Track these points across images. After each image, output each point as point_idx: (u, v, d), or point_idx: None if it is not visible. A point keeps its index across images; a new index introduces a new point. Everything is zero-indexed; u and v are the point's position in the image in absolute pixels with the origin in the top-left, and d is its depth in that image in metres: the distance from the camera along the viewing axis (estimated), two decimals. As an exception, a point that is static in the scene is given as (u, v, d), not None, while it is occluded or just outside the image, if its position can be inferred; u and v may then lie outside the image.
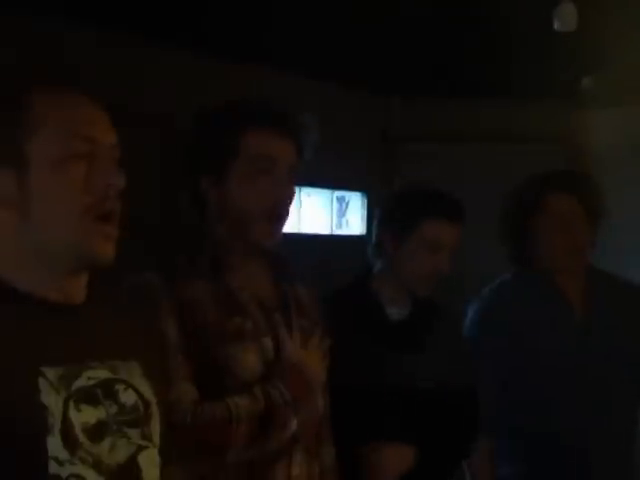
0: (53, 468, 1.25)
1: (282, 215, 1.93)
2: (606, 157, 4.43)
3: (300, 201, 4.38)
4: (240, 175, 1.90)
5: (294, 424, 1.81)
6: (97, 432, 1.30)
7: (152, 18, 3.31)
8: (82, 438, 1.28)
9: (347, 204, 4.63)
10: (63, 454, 1.25)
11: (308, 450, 1.90)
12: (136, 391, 1.39)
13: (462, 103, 4.37)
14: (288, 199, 1.94)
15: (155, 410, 1.41)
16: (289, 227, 4.22)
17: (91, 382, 1.32)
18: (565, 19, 2.67)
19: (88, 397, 1.31)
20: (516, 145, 4.48)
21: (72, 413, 1.28)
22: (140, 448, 1.36)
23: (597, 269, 2.76)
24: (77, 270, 1.40)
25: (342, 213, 4.62)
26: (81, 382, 1.31)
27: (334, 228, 4.60)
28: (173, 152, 2.05)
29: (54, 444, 1.25)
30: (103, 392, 1.33)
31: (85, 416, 1.29)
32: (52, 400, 1.27)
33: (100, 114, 1.43)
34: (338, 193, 4.59)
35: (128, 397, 1.37)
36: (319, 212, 4.57)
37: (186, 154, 1.99)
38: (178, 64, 3.71)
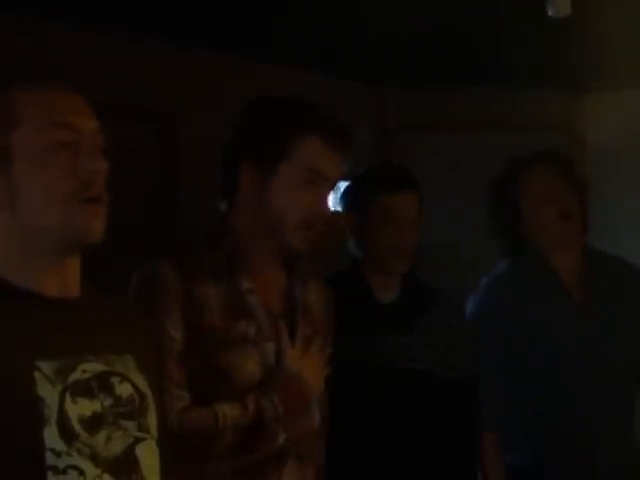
0: (50, 459, 1.26)
1: (318, 225, 1.90)
2: (605, 144, 4.43)
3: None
4: (286, 178, 1.85)
5: (282, 438, 1.79)
6: (93, 424, 1.31)
7: (153, 15, 3.31)
8: (79, 430, 1.29)
9: (345, 194, 4.63)
10: (60, 445, 1.27)
11: (301, 457, 1.87)
12: (132, 383, 1.40)
13: (459, 93, 4.37)
14: (325, 215, 1.91)
15: (151, 402, 1.42)
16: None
17: (86, 375, 1.33)
18: (559, 5, 2.66)
19: (83, 390, 1.32)
20: (515, 134, 4.47)
21: (68, 405, 1.29)
22: (137, 440, 1.37)
23: (595, 249, 2.75)
24: (69, 251, 1.41)
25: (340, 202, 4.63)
26: (76, 375, 1.32)
27: (333, 218, 4.60)
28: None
29: (51, 436, 1.26)
30: (98, 385, 1.34)
31: (81, 408, 1.30)
32: (48, 392, 1.28)
33: (80, 101, 1.43)
34: (336, 183, 4.59)
35: (124, 389, 1.38)
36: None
37: (236, 135, 1.93)
38: (176, 61, 3.70)
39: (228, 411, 1.74)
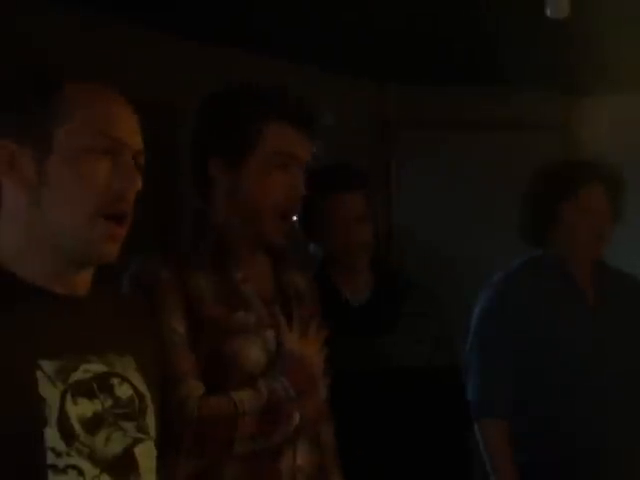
0: (50, 459, 1.27)
1: (293, 212, 1.93)
2: (602, 147, 4.42)
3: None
4: (256, 168, 1.86)
5: (297, 418, 1.83)
6: (93, 424, 1.32)
7: (153, 4, 3.31)
8: (79, 430, 1.30)
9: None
10: (60, 445, 1.28)
11: (311, 439, 1.91)
12: (131, 384, 1.40)
13: (459, 90, 4.36)
14: (300, 197, 1.92)
15: (149, 403, 1.43)
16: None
17: (87, 375, 1.34)
18: (557, 6, 2.67)
19: (84, 390, 1.32)
20: (513, 134, 4.48)
21: (69, 405, 1.30)
22: (136, 441, 1.37)
23: (603, 261, 2.79)
24: (80, 265, 1.40)
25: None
26: (78, 375, 1.33)
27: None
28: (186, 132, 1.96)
29: (51, 435, 1.27)
30: (98, 385, 1.35)
31: (81, 409, 1.31)
32: (49, 392, 1.29)
33: (131, 116, 1.42)
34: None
35: (124, 391, 1.38)
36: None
37: (198, 134, 1.93)
38: (174, 50, 3.69)
39: (244, 396, 1.77)
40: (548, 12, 2.69)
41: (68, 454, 1.28)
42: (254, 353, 1.82)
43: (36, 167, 1.35)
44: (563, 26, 2.93)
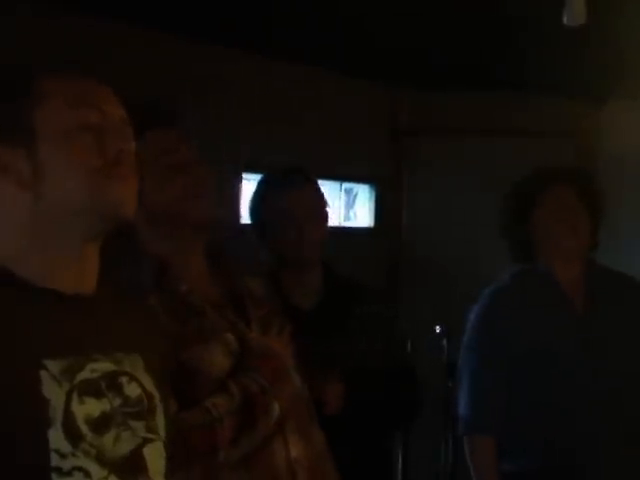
0: (55, 460, 1.24)
1: (200, 189, 1.91)
2: (617, 153, 4.42)
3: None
4: (150, 178, 1.84)
5: (276, 408, 1.81)
6: (101, 424, 1.29)
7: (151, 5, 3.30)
8: (85, 430, 1.27)
9: (355, 196, 4.63)
10: (65, 447, 1.25)
11: (302, 431, 1.89)
12: (140, 384, 1.38)
13: (471, 97, 4.36)
14: (200, 181, 1.91)
15: (158, 403, 1.41)
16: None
17: (95, 375, 1.31)
18: (574, 13, 2.65)
19: (91, 389, 1.30)
20: (525, 140, 4.47)
21: (75, 405, 1.27)
22: (145, 441, 1.35)
23: (598, 264, 2.80)
24: (96, 231, 1.38)
25: (350, 205, 4.63)
26: (85, 374, 1.30)
27: (342, 220, 4.59)
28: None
29: (56, 437, 1.24)
30: (106, 384, 1.32)
31: (88, 408, 1.29)
32: (54, 393, 1.26)
33: (108, 91, 1.41)
34: (346, 185, 4.58)
35: (132, 390, 1.36)
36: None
37: None
38: (184, 51, 3.68)
39: (216, 401, 1.76)
40: (565, 19, 2.68)
41: (74, 455, 1.25)
42: (217, 359, 1.81)
43: (30, 165, 1.34)
44: (578, 33, 2.91)
